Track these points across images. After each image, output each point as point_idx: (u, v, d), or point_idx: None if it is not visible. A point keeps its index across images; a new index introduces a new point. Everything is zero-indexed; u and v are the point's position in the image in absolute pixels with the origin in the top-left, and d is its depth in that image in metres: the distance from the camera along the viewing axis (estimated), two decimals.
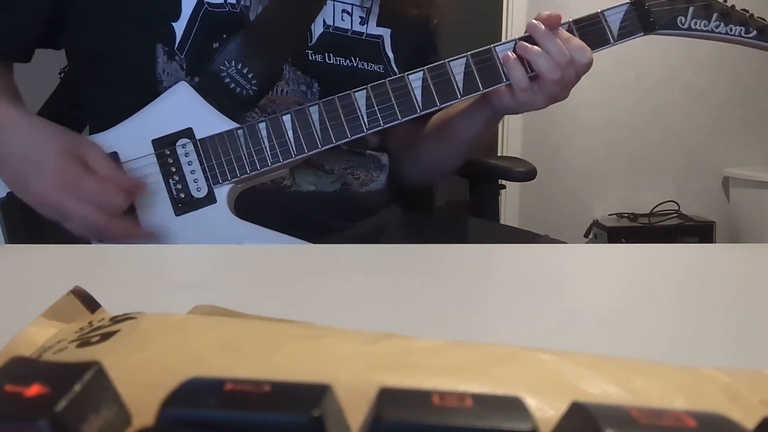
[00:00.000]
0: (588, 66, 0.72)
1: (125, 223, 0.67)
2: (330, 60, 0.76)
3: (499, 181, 1.13)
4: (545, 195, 2.72)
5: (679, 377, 0.20)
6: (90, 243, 0.68)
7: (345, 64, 0.77)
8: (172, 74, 0.70)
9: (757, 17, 0.75)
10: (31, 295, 0.40)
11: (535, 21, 0.72)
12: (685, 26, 0.74)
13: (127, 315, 0.24)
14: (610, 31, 0.73)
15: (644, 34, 0.74)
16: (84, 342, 0.22)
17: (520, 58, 0.71)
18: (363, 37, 0.79)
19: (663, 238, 2.55)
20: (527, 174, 1.12)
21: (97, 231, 0.66)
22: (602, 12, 0.74)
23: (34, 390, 0.14)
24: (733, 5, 0.75)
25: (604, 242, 2.51)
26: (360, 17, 0.79)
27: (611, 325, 0.36)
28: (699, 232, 2.59)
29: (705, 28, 0.74)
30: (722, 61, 2.71)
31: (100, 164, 0.65)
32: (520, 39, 0.73)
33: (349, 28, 0.78)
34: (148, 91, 0.70)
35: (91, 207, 0.64)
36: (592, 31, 0.73)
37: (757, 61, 2.69)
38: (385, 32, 0.81)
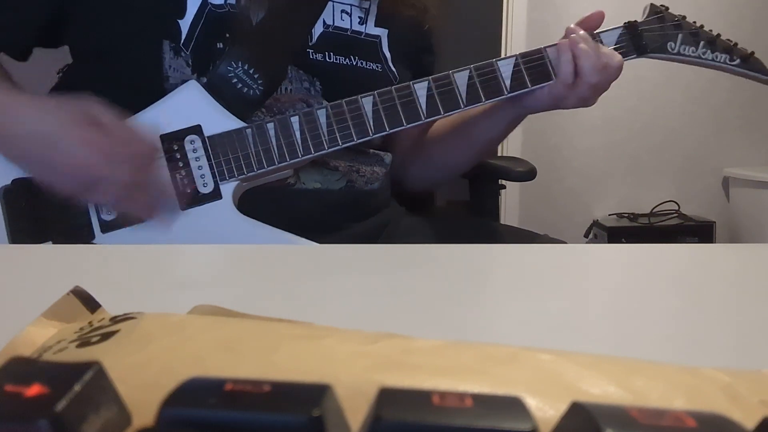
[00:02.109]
0: (618, 71, 0.75)
1: (156, 179, 0.67)
2: (330, 59, 0.77)
3: (499, 181, 1.13)
4: (545, 195, 2.72)
5: (679, 377, 0.20)
6: (103, 228, 0.67)
7: (344, 62, 0.78)
8: (178, 70, 0.71)
9: (741, 47, 0.79)
10: (31, 295, 0.40)
11: (573, 26, 0.76)
12: (675, 51, 0.79)
13: (127, 315, 0.24)
14: None
15: (637, 57, 0.78)
16: (84, 342, 0.22)
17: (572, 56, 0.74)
18: (362, 37, 0.80)
19: (663, 238, 2.55)
20: (527, 174, 1.12)
21: (133, 189, 0.65)
22: (598, 33, 0.77)
23: (34, 390, 0.14)
24: (719, 34, 0.79)
25: (604, 242, 2.51)
26: (359, 17, 0.80)
27: (611, 325, 0.36)
28: (699, 232, 2.59)
29: (693, 54, 0.79)
30: None
31: (113, 120, 0.64)
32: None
33: (349, 27, 0.79)
34: (155, 86, 0.70)
35: (125, 164, 0.63)
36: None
37: None
38: (383, 32, 0.82)
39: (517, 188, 2.67)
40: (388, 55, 0.82)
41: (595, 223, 2.68)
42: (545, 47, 0.76)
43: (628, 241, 2.55)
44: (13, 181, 0.68)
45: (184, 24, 0.71)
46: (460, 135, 0.88)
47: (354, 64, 0.79)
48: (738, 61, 0.78)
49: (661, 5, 0.80)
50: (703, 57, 0.78)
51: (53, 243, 0.69)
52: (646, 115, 2.72)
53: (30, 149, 0.65)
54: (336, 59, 0.78)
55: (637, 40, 0.77)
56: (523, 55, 0.75)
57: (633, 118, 2.73)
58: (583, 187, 2.76)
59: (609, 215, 2.73)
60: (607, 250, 0.64)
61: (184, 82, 0.71)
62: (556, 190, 2.73)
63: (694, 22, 0.80)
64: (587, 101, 0.76)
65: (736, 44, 0.79)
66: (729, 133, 2.78)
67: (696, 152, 2.77)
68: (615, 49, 0.76)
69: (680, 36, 0.78)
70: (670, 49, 0.78)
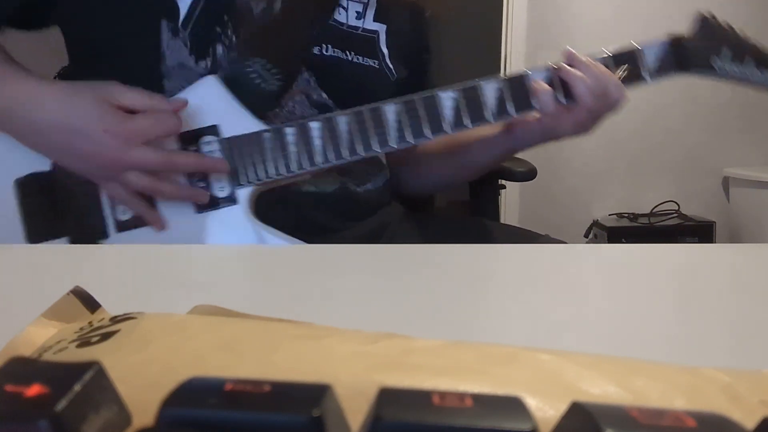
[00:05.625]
0: (620, 103, 0.73)
1: (185, 154, 0.67)
2: (327, 52, 0.77)
3: (499, 180, 1.13)
4: (545, 195, 2.72)
5: (679, 377, 0.20)
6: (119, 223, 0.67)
7: (342, 57, 0.78)
8: (176, 50, 0.70)
9: None
10: (31, 295, 0.40)
11: (571, 49, 0.73)
12: (719, 68, 0.73)
13: (127, 315, 0.24)
14: (647, 68, 0.73)
15: (677, 73, 0.74)
16: (84, 342, 0.22)
17: (558, 82, 0.71)
18: (359, 32, 0.80)
19: (663, 238, 2.55)
20: (527, 174, 1.12)
21: (163, 170, 0.65)
22: (639, 47, 0.73)
23: (34, 390, 0.14)
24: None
25: (604, 242, 2.51)
26: (356, 12, 0.80)
27: (611, 325, 0.36)
28: (699, 232, 2.59)
29: (737, 72, 0.73)
30: None
31: (135, 99, 0.64)
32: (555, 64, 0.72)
33: (345, 22, 0.79)
34: (152, 67, 0.69)
35: (150, 147, 0.64)
36: (627, 66, 0.73)
37: None
38: (381, 28, 0.82)
39: (517, 188, 2.67)
40: (385, 51, 0.82)
41: (595, 223, 2.68)
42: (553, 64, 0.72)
43: (628, 241, 2.55)
44: (27, 176, 0.68)
45: (183, 3, 0.70)
46: (451, 157, 0.88)
47: (350, 59, 0.79)
48: None
49: (710, 13, 0.73)
50: (749, 76, 0.73)
51: (70, 239, 0.68)
52: (646, 115, 2.72)
53: (51, 138, 0.65)
54: (334, 52, 0.78)
55: (680, 56, 0.72)
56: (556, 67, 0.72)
57: (633, 118, 2.72)
58: (583, 187, 2.76)
59: (609, 215, 2.73)
60: (607, 250, 0.64)
61: (180, 63, 0.69)
62: (556, 190, 2.73)
63: (743, 35, 0.73)
64: (583, 127, 0.74)
65: None
66: (729, 133, 2.78)
67: (696, 152, 2.77)
68: (656, 64, 0.72)
69: (724, 50, 0.72)
70: (714, 66, 0.73)
